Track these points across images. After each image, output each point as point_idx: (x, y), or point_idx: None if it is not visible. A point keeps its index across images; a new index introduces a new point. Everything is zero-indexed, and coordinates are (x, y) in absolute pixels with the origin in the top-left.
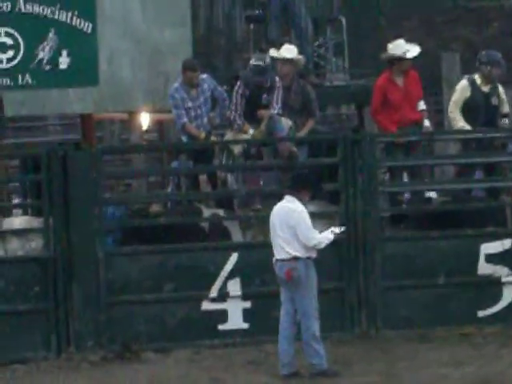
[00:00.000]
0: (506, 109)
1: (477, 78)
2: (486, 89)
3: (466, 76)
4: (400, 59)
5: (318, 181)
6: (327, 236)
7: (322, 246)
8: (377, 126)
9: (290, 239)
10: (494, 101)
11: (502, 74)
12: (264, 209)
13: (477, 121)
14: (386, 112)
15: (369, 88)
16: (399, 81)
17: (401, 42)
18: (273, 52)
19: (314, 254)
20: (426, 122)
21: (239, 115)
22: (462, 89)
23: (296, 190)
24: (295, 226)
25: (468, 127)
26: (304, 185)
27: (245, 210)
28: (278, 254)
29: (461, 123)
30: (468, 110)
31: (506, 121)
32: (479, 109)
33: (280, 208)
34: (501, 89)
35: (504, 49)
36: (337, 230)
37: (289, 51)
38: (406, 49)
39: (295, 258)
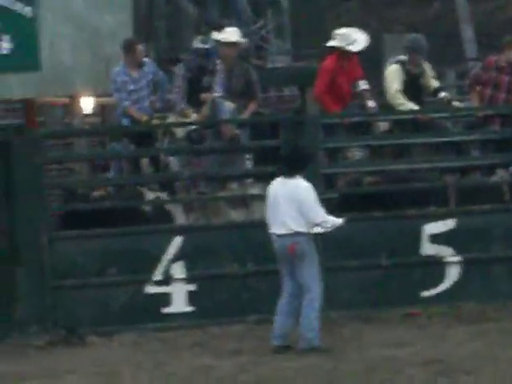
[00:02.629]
0: (435, 84)
1: (405, 60)
2: (414, 70)
3: (393, 59)
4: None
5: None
6: (335, 219)
7: (327, 226)
8: (320, 108)
9: (295, 214)
10: (421, 81)
11: (422, 59)
12: (207, 192)
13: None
14: (331, 94)
15: (311, 69)
16: (345, 64)
17: (346, 31)
18: (215, 35)
19: (313, 231)
20: (370, 103)
21: (182, 98)
22: (398, 73)
23: (293, 173)
24: (303, 201)
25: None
26: (300, 166)
27: (188, 193)
28: (279, 230)
29: (410, 105)
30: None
31: (442, 94)
32: (408, 90)
33: (284, 183)
34: (427, 67)
35: (444, 28)
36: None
37: (232, 34)
38: (352, 39)
39: (298, 233)
